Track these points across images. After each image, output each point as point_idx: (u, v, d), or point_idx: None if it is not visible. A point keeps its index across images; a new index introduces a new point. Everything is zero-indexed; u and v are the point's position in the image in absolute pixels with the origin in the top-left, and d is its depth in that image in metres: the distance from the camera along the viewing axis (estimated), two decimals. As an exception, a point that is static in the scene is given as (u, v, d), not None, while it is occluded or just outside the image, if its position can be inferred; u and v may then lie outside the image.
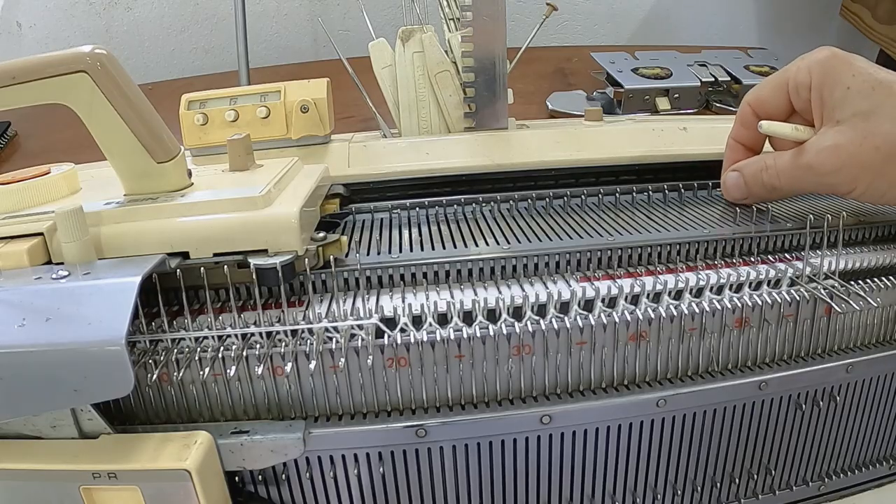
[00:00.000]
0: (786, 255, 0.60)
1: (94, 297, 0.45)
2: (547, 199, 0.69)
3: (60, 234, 0.49)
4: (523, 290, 0.54)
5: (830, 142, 0.54)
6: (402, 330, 0.51)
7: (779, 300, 0.56)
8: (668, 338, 0.55)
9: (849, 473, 0.63)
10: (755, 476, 0.60)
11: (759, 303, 0.55)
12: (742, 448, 0.58)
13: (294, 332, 0.51)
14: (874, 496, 0.64)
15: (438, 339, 0.51)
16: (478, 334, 0.51)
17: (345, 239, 0.57)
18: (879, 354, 0.58)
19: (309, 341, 0.51)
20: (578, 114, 0.99)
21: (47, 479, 0.46)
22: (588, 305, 0.53)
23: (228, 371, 0.50)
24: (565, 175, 0.73)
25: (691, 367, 0.56)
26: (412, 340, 0.51)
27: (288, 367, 0.51)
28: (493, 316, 0.52)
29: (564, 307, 0.53)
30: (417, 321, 0.52)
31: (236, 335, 0.51)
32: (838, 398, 0.59)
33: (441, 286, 0.56)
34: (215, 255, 0.51)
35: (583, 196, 0.70)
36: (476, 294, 0.54)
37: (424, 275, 0.57)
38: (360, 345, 0.51)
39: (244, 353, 0.50)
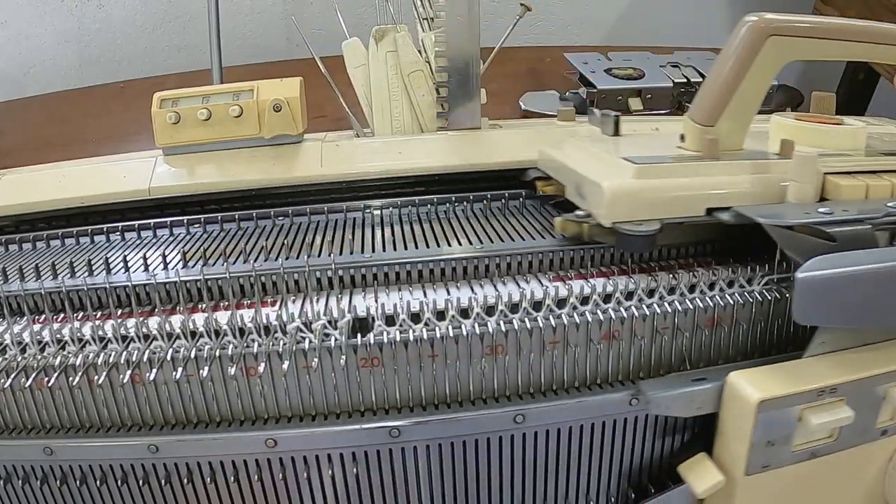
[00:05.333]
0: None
1: None
2: (520, 199, 0.69)
3: None
4: (496, 289, 0.54)
5: None
6: (377, 331, 0.51)
7: (751, 299, 0.56)
8: (640, 337, 0.55)
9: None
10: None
11: (731, 302, 0.56)
12: (714, 446, 0.59)
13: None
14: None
15: (411, 338, 0.51)
16: (451, 334, 0.51)
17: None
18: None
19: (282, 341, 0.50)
20: (551, 114, 0.99)
21: None
22: (561, 305, 0.53)
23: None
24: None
25: (664, 367, 0.56)
26: (385, 340, 0.51)
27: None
28: (465, 315, 0.52)
29: (537, 306, 0.53)
30: (390, 321, 0.51)
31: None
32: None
33: (414, 286, 0.56)
34: None
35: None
36: (449, 293, 0.54)
37: (397, 274, 0.57)
38: (333, 345, 0.51)
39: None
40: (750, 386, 0.50)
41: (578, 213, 0.57)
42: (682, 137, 0.60)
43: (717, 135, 0.56)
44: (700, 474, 0.53)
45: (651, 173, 0.54)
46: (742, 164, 0.56)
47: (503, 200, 0.69)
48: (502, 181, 0.72)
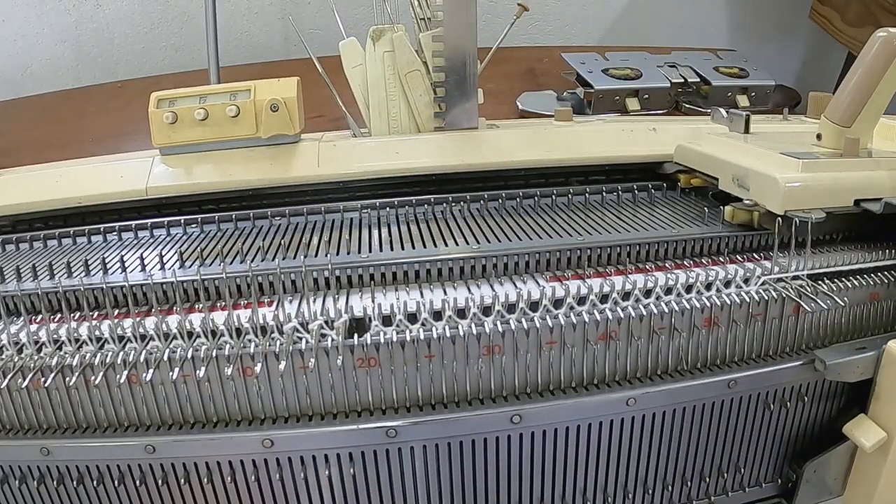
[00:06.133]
0: (754, 254, 0.61)
1: None
2: (517, 199, 0.69)
3: None
4: (493, 289, 0.54)
5: None
6: (373, 331, 0.51)
7: (747, 299, 0.56)
8: (637, 337, 0.55)
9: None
10: (725, 474, 0.60)
11: (728, 302, 0.56)
12: (711, 446, 0.59)
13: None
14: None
15: (408, 339, 0.51)
16: (448, 334, 0.51)
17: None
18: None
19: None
20: (549, 114, 1.00)
21: None
22: (558, 305, 0.53)
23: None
24: (535, 175, 0.73)
25: (661, 366, 0.56)
26: (382, 341, 0.51)
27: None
28: (462, 315, 0.52)
29: (534, 307, 0.53)
30: (387, 321, 0.51)
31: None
32: (806, 398, 0.59)
33: (410, 286, 0.56)
34: None
35: (553, 196, 0.70)
36: (446, 294, 0.54)
37: (394, 275, 0.56)
38: (330, 345, 0.51)
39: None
40: None
41: (747, 202, 0.60)
42: (819, 136, 0.65)
43: (855, 135, 0.62)
44: (865, 432, 0.57)
45: (814, 167, 0.59)
46: (879, 160, 0.61)
47: (500, 200, 0.69)
48: (499, 181, 0.72)
